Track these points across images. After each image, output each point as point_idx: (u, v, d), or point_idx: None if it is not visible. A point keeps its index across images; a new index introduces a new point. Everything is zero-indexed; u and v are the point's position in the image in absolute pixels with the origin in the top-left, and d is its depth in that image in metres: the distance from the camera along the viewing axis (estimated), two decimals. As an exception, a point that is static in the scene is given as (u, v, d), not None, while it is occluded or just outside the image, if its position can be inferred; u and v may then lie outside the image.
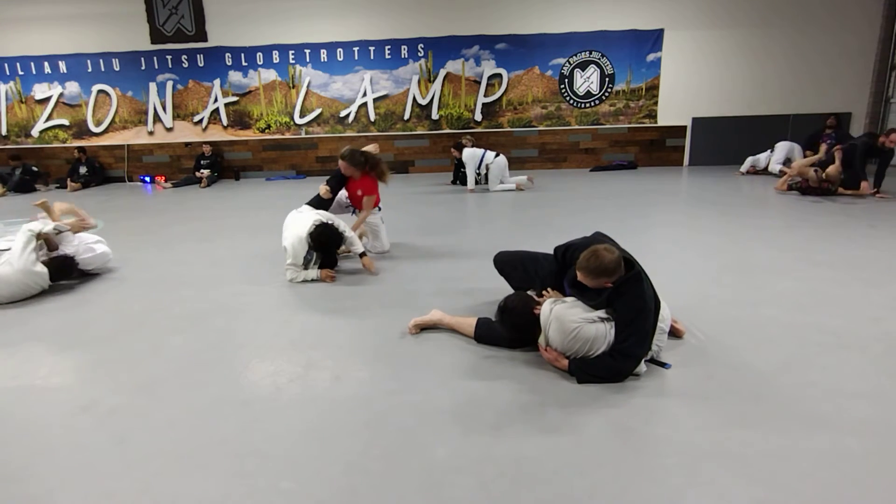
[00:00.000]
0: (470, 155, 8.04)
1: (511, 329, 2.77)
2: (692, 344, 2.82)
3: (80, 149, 10.20)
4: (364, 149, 4.63)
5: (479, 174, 8.71)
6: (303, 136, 10.38)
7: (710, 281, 3.80)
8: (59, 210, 4.65)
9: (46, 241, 4.17)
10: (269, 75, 10.11)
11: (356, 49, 9.91)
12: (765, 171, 8.76)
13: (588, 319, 2.48)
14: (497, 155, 8.02)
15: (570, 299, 2.66)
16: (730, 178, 8.51)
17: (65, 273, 4.09)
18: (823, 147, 7.82)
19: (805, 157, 8.15)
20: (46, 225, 4.16)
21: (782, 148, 8.67)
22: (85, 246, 4.31)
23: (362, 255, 4.17)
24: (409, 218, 6.33)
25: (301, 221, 4.06)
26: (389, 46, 9.88)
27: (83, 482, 1.92)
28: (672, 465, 1.90)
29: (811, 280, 3.73)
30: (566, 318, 2.51)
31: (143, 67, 10.12)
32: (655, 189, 7.76)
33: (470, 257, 4.55)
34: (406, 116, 10.22)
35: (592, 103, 10.04)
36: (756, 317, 3.15)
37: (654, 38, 9.65)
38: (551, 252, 2.98)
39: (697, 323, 3.02)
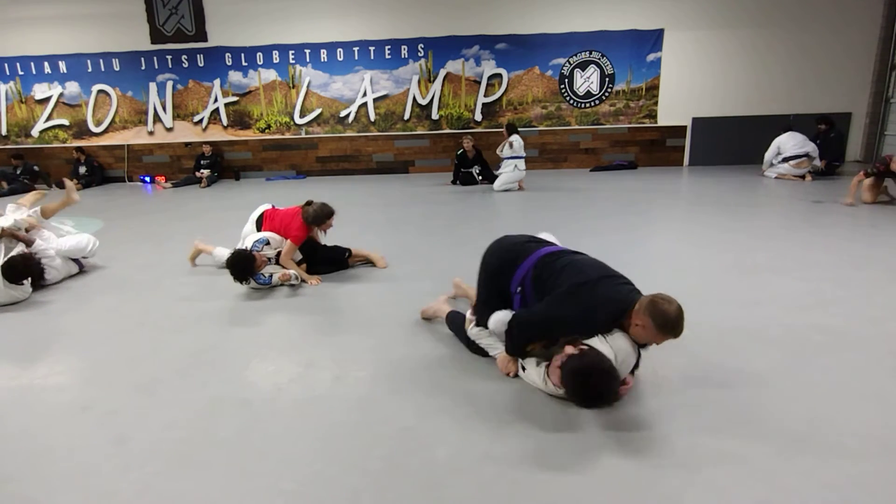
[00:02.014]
0: (519, 144, 7.93)
1: (599, 399, 2.16)
2: (692, 343, 2.82)
3: (79, 149, 10.20)
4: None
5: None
6: (303, 136, 10.38)
7: (710, 280, 3.80)
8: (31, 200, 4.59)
9: (15, 237, 4.10)
10: (269, 75, 10.11)
11: (356, 49, 9.91)
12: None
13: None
14: (525, 168, 8.03)
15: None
16: (730, 178, 8.46)
17: (22, 273, 3.79)
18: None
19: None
20: (5, 220, 4.07)
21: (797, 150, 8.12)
22: (58, 241, 4.33)
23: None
24: (409, 218, 6.33)
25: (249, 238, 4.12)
26: (389, 46, 9.88)
27: (83, 482, 1.92)
28: (672, 466, 1.90)
29: (811, 280, 3.73)
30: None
31: (143, 67, 10.12)
32: (656, 189, 7.75)
33: (470, 257, 4.54)
34: (406, 116, 10.22)
35: (592, 103, 10.04)
36: (756, 317, 3.15)
37: (654, 38, 9.64)
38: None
39: (697, 322, 3.02)
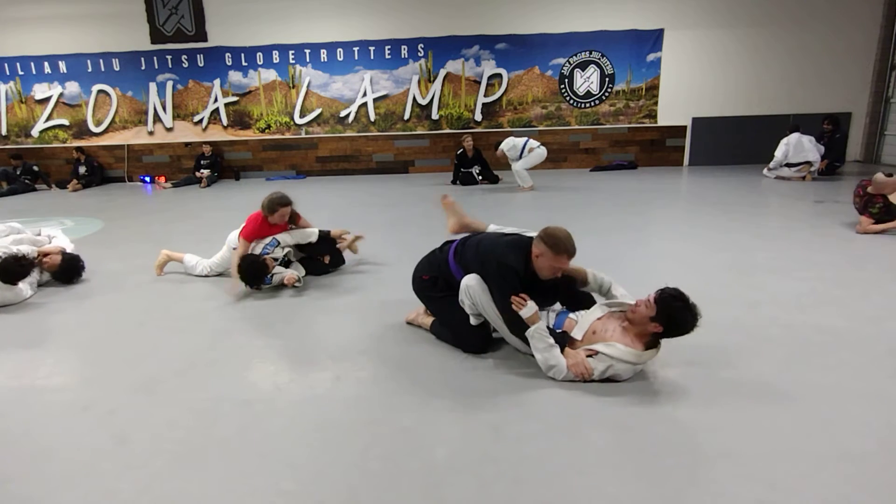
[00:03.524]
0: (511, 145, 7.85)
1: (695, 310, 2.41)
2: (691, 344, 2.81)
3: (79, 149, 10.21)
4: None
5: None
6: (303, 136, 10.38)
7: (709, 280, 3.80)
8: None
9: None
10: (269, 75, 10.12)
11: (356, 49, 9.91)
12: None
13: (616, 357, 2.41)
14: (540, 145, 7.88)
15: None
16: (730, 178, 8.47)
17: (17, 274, 3.76)
18: None
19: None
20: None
21: (808, 149, 8.03)
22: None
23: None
24: (409, 218, 6.34)
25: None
26: (389, 46, 9.88)
27: (83, 482, 1.92)
28: (672, 466, 1.90)
29: (811, 280, 3.73)
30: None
31: (143, 67, 10.13)
32: (655, 189, 7.75)
33: (470, 257, 4.54)
34: (406, 116, 10.23)
35: (592, 103, 10.04)
36: (756, 317, 3.15)
37: (654, 38, 9.65)
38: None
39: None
